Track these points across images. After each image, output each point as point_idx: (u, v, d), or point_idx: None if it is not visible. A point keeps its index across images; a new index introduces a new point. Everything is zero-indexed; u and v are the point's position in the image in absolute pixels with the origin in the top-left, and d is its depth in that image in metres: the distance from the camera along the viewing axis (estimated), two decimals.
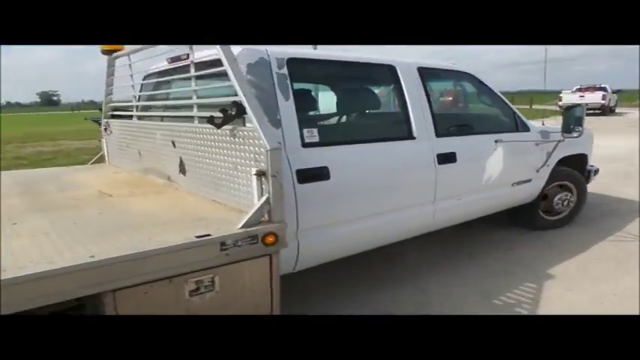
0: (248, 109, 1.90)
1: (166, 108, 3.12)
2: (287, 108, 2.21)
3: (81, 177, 3.19)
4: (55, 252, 1.59)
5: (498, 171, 3.35)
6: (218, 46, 1.99)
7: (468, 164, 3.13)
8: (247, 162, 1.98)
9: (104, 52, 3.34)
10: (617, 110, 23.40)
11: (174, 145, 2.63)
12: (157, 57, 2.96)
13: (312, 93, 2.71)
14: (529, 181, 3.70)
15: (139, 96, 3.28)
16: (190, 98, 2.47)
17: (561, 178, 4.09)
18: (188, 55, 2.51)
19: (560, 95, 22.91)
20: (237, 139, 2.03)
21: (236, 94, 1.98)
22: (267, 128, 1.87)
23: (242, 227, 1.81)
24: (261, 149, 1.86)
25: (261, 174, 1.88)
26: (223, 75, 2.11)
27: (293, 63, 2.38)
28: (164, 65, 2.99)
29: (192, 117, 2.48)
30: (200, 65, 2.34)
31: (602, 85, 23.13)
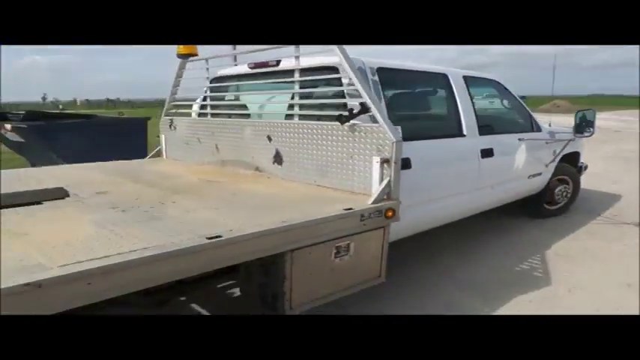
0: (373, 109, 2.38)
1: (261, 107, 3.59)
2: (381, 109, 2.58)
3: (161, 168, 3.53)
4: (244, 219, 1.99)
5: (520, 165, 3.97)
6: (341, 57, 2.45)
7: (501, 158, 3.73)
8: (367, 152, 2.44)
9: (179, 56, 3.69)
10: None
11: (269, 140, 3.00)
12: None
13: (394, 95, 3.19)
14: (540, 174, 4.36)
15: (209, 97, 3.71)
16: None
17: (562, 172, 4.78)
18: (278, 61, 2.99)
19: None
20: (356, 134, 2.48)
21: (343, 97, 2.58)
22: (389, 125, 2.35)
23: (372, 203, 2.27)
24: (386, 141, 2.33)
25: (384, 161, 2.35)
26: (331, 80, 2.69)
27: (381, 71, 2.88)
28: (240, 70, 3.46)
29: (292, 115, 2.91)
30: (301, 71, 2.81)
31: None
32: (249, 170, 3.23)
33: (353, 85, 2.46)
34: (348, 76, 2.48)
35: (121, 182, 2.90)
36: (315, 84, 2.90)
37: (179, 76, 3.87)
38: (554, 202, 4.84)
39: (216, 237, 1.72)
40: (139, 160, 4.15)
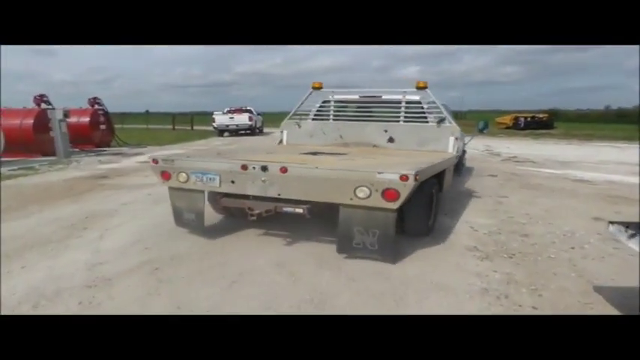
0: (448, 119, 5.66)
1: (381, 115, 6.28)
2: (450, 120, 5.89)
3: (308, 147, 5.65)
4: (408, 162, 4.01)
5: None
6: (423, 95, 5.78)
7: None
8: (447, 135, 5.57)
9: (314, 88, 6.26)
10: (264, 130, 26.48)
11: (385, 131, 5.93)
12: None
13: None
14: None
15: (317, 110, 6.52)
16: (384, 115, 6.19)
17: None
18: (381, 96, 6.23)
19: (213, 116, 24.19)
20: (442, 128, 5.66)
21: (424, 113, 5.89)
22: (456, 123, 5.62)
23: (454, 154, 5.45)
24: (456, 130, 5.55)
25: (457, 139, 5.53)
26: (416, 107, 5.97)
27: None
28: (352, 97, 6.48)
29: (398, 119, 6.02)
30: (393, 103, 6.10)
31: (248, 108, 25.35)
32: (368, 147, 5.88)
33: (436, 108, 5.69)
34: (431, 104, 5.79)
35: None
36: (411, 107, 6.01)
37: (305, 99, 6.41)
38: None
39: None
40: (273, 145, 6.52)
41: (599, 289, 3.11)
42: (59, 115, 11.62)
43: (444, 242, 4.19)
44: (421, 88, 5.59)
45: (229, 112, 24.91)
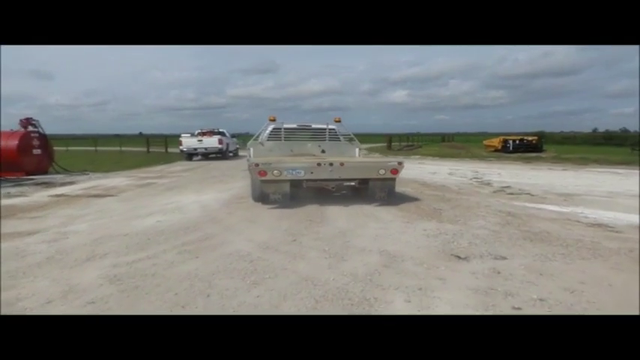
0: (354, 139, 10.06)
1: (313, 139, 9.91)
2: (355, 141, 10.25)
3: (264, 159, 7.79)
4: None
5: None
6: (336, 126, 9.98)
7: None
8: (355, 148, 9.92)
9: (270, 120, 9.49)
10: (240, 154, 24.33)
11: (319, 146, 9.62)
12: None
13: None
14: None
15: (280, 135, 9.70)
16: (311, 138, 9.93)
17: None
18: (311, 125, 9.93)
19: (180, 139, 22.44)
20: (350, 145, 10.00)
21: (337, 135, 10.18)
22: (356, 142, 10.09)
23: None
24: (359, 146, 10.03)
25: (360, 149, 10.01)
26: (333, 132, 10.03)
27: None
28: (293, 126, 9.81)
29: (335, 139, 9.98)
30: (320, 130, 9.85)
31: (221, 130, 24.17)
32: (309, 155, 9.01)
33: (347, 135, 9.99)
34: (342, 131, 10.00)
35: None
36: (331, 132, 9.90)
37: (264, 128, 9.63)
38: None
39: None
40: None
41: None
42: None
43: None
44: (337, 121, 9.88)
45: (199, 134, 23.33)
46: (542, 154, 25.30)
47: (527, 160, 20.70)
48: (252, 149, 9.33)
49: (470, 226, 6.01)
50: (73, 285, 3.70)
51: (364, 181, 7.61)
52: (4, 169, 12.05)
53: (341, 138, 9.78)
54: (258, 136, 9.55)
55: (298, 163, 7.29)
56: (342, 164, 7.19)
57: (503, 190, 9.88)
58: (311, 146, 9.54)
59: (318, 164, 7.14)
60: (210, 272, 4.03)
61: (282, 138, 9.51)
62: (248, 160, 7.81)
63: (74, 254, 4.63)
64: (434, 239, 5.26)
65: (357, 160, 8.59)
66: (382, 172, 7.31)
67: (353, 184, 7.66)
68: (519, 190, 9.80)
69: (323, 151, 9.44)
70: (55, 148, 15.30)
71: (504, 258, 4.45)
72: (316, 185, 7.55)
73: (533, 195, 9.02)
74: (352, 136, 9.89)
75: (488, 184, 11.15)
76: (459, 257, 4.48)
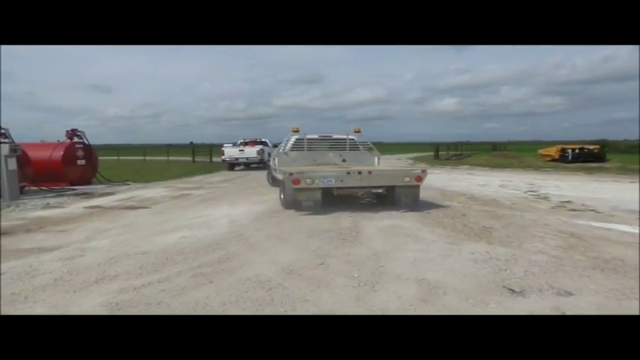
0: (374, 148, 10.50)
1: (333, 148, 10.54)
2: (375, 150, 10.83)
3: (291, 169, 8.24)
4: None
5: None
6: (356, 137, 10.58)
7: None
8: (374, 157, 10.40)
9: (293, 132, 10.12)
10: None
11: (340, 156, 10.25)
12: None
13: None
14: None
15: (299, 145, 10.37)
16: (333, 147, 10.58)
17: None
18: (332, 135, 10.60)
19: (222, 149, 22.43)
20: (370, 154, 10.43)
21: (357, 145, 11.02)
22: (375, 151, 10.56)
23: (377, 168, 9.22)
24: (378, 154, 10.42)
25: (378, 158, 10.46)
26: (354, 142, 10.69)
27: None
28: (315, 136, 10.42)
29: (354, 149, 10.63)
30: (341, 140, 10.56)
31: (263, 140, 23.14)
32: (332, 164, 9.81)
33: (366, 144, 10.53)
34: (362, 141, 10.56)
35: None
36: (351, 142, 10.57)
37: (287, 140, 10.37)
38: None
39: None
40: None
41: None
42: (4, 150, 9.78)
43: None
44: (357, 132, 10.46)
45: (241, 143, 23.37)
46: (606, 164, 23.27)
47: (589, 171, 19.00)
48: (276, 159, 10.01)
49: (525, 249, 5.21)
50: (69, 313, 3.34)
51: (390, 189, 7.96)
52: (49, 180, 12.33)
53: (360, 147, 10.36)
54: (282, 147, 10.27)
55: (329, 172, 7.79)
56: (369, 172, 7.70)
57: (564, 205, 8.84)
58: (332, 155, 10.15)
59: (348, 173, 7.64)
60: (220, 302, 3.56)
61: (305, 148, 10.11)
62: (274, 170, 8.22)
63: (84, 275, 4.32)
64: (483, 265, 4.54)
65: (383, 168, 9.15)
66: (407, 179, 7.78)
67: (380, 191, 7.99)
68: (582, 205, 8.73)
69: (344, 160, 10.09)
70: (107, 157, 15.66)
71: (570, 294, 3.67)
72: (345, 193, 7.96)
73: (599, 212, 7.95)
74: (371, 145, 10.44)
75: (546, 198, 10.08)
76: (513, 291, 3.76)
